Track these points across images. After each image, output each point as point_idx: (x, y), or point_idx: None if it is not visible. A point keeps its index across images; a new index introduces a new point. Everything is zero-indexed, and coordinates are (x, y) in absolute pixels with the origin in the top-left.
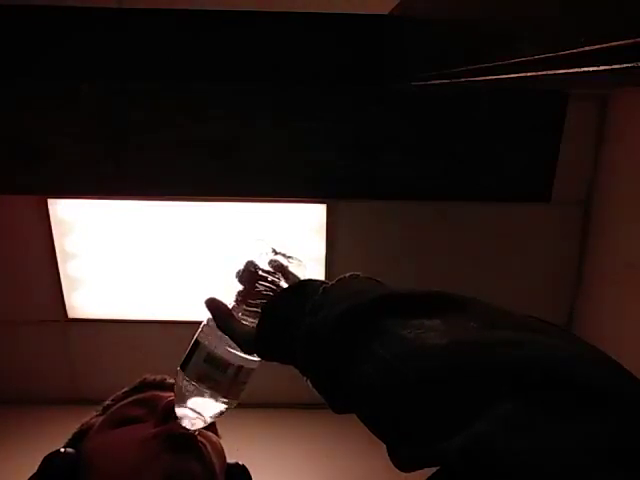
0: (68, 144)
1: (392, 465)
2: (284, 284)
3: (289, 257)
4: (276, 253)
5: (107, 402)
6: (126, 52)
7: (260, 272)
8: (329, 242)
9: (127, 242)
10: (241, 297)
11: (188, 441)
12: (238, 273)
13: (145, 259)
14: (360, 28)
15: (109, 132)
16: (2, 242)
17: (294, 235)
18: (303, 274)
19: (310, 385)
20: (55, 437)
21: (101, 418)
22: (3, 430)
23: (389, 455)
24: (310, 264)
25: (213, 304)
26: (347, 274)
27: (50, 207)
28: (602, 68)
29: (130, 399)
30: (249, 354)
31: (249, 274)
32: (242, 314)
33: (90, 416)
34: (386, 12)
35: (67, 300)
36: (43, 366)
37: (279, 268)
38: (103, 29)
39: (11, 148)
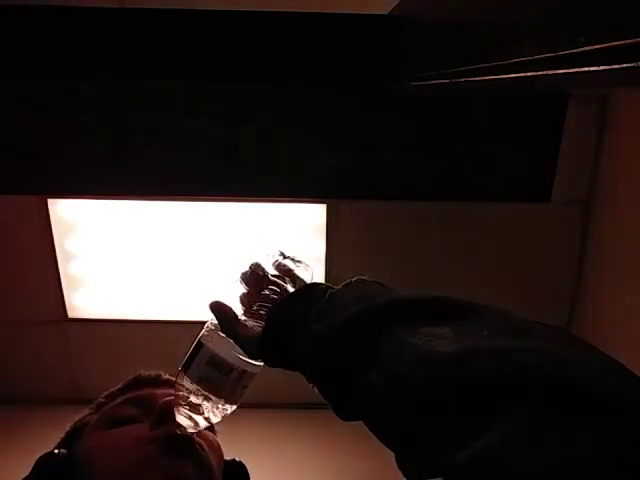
0: (68, 144)
1: (392, 465)
2: (291, 288)
3: (297, 261)
4: (285, 257)
5: (100, 399)
6: (126, 52)
7: (267, 275)
8: (329, 242)
9: (127, 242)
10: (246, 300)
11: (186, 444)
12: (244, 275)
13: (145, 259)
14: (360, 28)
15: (109, 132)
16: (2, 242)
17: (294, 235)
18: (309, 279)
19: (317, 391)
20: (55, 437)
21: (95, 417)
22: (3, 430)
23: (397, 463)
24: (310, 264)
25: (218, 307)
26: (354, 278)
27: (50, 207)
28: (602, 68)
29: (124, 397)
30: (253, 358)
31: (255, 277)
32: (247, 317)
33: (83, 414)
34: (386, 12)
35: (67, 300)
36: (43, 366)
37: (287, 272)
38: (103, 29)
39: (11, 148)
